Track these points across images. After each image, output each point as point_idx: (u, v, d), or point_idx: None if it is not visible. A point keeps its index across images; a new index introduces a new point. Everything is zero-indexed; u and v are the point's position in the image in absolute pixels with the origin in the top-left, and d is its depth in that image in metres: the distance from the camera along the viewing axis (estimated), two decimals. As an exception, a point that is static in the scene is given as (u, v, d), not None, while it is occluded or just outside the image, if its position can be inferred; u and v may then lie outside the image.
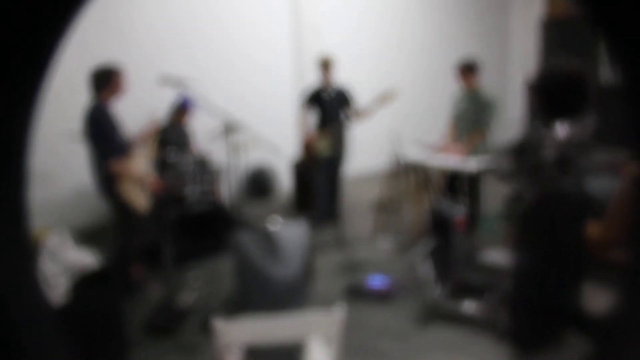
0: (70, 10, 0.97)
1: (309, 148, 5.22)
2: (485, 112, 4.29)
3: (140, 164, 3.78)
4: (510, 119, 8.13)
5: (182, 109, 5.09)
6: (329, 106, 4.87)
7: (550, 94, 2.52)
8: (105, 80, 3.63)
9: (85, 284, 2.70)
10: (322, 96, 5.03)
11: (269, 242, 3.19)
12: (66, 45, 1.03)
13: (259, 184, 6.55)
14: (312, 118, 5.26)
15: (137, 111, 5.42)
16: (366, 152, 7.00)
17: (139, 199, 3.69)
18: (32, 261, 2.44)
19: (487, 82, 4.50)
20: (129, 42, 5.51)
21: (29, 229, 1.17)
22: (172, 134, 5.04)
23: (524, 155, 2.56)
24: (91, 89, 3.64)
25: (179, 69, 4.87)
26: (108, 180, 3.61)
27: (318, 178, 5.20)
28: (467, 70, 4.32)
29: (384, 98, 4.63)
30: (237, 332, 1.93)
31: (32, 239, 3.18)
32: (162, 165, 4.57)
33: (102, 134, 3.53)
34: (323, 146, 5.05)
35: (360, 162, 7.03)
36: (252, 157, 6.20)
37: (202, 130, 5.04)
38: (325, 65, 5.02)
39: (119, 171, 3.58)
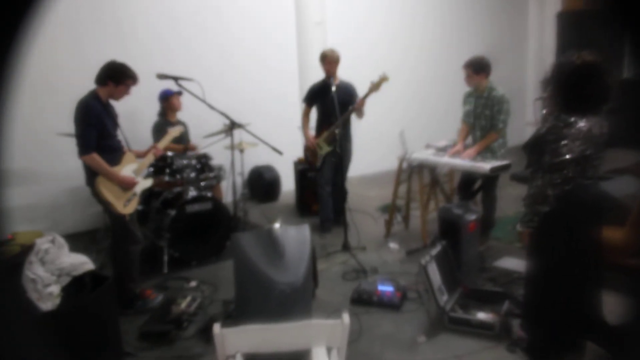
0: (31, 7, 0.90)
1: (310, 147, 5.12)
2: (499, 111, 4.18)
3: (127, 171, 3.54)
4: (527, 117, 7.98)
5: (164, 100, 4.99)
6: (333, 102, 4.73)
7: (567, 86, 2.40)
8: (119, 78, 3.42)
9: (79, 290, 2.59)
10: (325, 92, 4.88)
11: (272, 245, 3.08)
12: (40, 43, 0.95)
13: (262, 185, 6.44)
14: (317, 114, 5.17)
15: (138, 108, 5.33)
16: (375, 152, 6.89)
17: (117, 203, 3.42)
18: (12, 267, 2.34)
19: (503, 78, 4.38)
20: (129, 40, 5.42)
21: (3, 232, 1.10)
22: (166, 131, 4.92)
23: (542, 152, 2.43)
24: (99, 78, 3.43)
25: (181, 67, 4.77)
26: (89, 175, 3.42)
27: (321, 179, 5.09)
28: (477, 69, 4.20)
29: (376, 85, 4.49)
30: (239, 340, 1.87)
31: (22, 244, 3.06)
32: (161, 163, 4.47)
33: (90, 124, 3.30)
34: (325, 145, 4.94)
35: (368, 163, 6.93)
36: (256, 158, 6.10)
37: (204, 130, 4.93)
38: (326, 59, 4.89)
39: (94, 168, 3.36)
